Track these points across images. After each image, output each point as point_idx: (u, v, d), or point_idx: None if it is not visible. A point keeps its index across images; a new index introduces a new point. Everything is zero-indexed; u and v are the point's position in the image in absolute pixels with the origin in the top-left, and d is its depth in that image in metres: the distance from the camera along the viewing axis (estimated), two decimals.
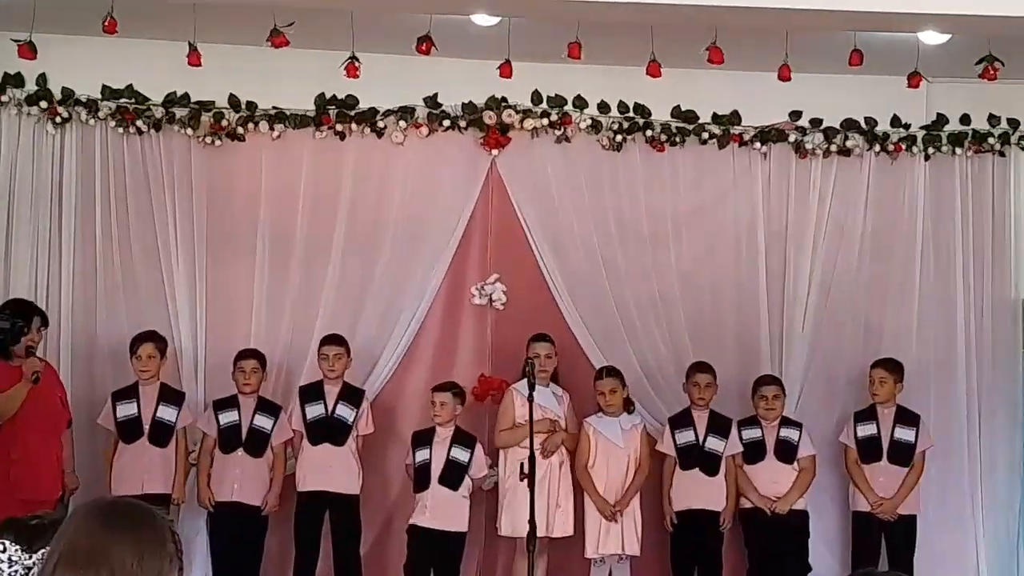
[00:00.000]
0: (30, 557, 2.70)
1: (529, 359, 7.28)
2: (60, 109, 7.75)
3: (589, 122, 8.14)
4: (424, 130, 8.05)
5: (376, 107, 8.00)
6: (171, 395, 7.52)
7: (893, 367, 7.90)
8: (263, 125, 7.92)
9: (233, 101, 7.90)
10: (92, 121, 7.80)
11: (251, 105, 7.91)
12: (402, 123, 8.02)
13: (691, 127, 8.22)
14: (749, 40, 7.01)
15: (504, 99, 8.04)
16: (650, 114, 8.17)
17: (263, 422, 7.57)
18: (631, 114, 8.16)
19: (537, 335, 7.75)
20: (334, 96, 7.95)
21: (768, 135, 8.28)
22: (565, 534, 7.61)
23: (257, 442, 7.55)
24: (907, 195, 8.40)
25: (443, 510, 7.46)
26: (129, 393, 7.47)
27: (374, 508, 7.87)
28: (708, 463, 7.74)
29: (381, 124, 8.01)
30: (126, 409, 7.42)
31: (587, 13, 6.61)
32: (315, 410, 7.61)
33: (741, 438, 7.81)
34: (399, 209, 8.10)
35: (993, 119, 8.38)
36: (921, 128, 8.36)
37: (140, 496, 6.41)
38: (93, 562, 2.42)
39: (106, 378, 7.73)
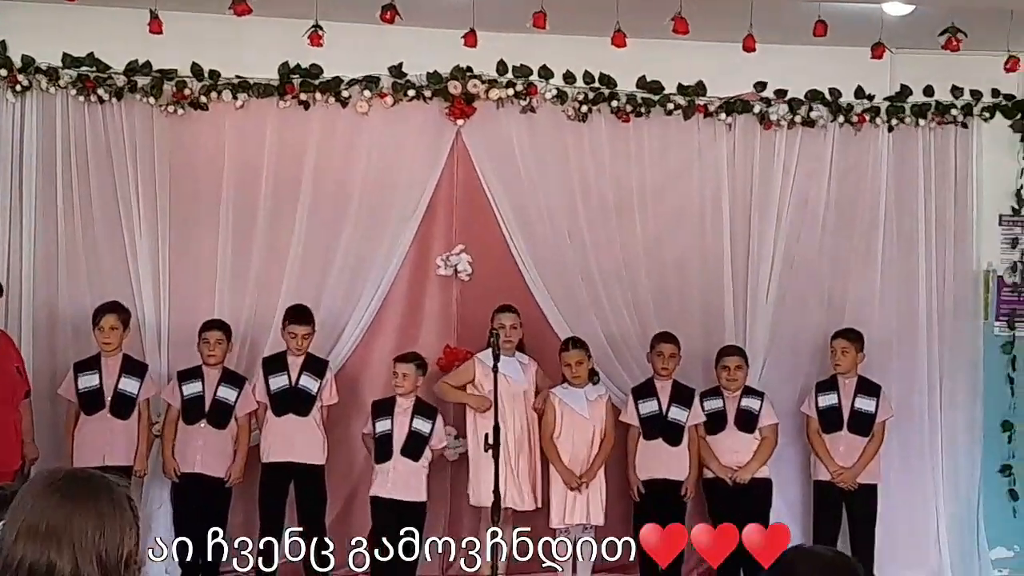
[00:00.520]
0: None
1: (494, 330, 7.27)
2: (20, 77, 7.64)
3: (555, 92, 8.12)
4: (389, 100, 7.99)
5: (340, 76, 7.93)
6: (134, 367, 7.47)
7: (854, 337, 7.95)
8: (226, 94, 7.85)
9: (196, 70, 7.82)
10: (53, 89, 7.70)
11: (214, 74, 7.83)
12: (367, 93, 7.97)
13: (656, 98, 8.21)
14: (714, 10, 6.99)
15: (469, 69, 7.99)
16: (616, 84, 8.15)
17: (227, 393, 7.54)
18: (596, 84, 8.14)
19: (502, 306, 7.74)
20: (298, 65, 7.88)
21: (733, 106, 8.29)
22: (530, 507, 7.62)
23: (221, 414, 7.52)
24: (871, 166, 8.44)
25: (404, 480, 7.45)
26: (91, 364, 7.41)
27: (339, 478, 7.87)
28: (671, 433, 7.78)
29: (345, 94, 7.95)
30: (88, 380, 7.37)
31: None
32: (279, 381, 7.58)
33: (703, 408, 7.86)
34: (364, 179, 8.06)
35: (956, 90, 8.42)
36: (885, 99, 8.40)
37: (102, 468, 6.33)
38: (54, 535, 2.42)
39: (68, 349, 7.68)
